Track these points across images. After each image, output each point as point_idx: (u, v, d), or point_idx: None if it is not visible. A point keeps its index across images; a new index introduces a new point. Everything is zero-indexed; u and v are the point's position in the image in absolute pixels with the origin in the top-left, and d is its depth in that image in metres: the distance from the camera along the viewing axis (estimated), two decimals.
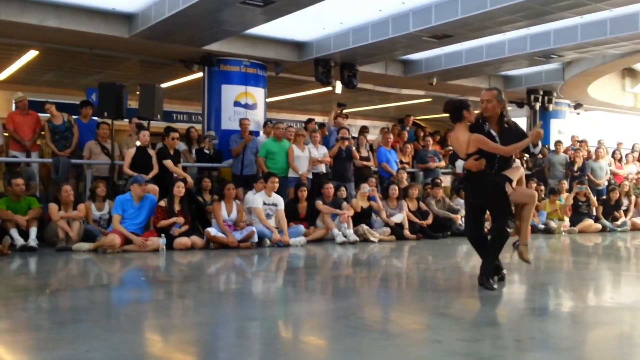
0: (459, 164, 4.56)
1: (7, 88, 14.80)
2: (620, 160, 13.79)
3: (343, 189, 9.46)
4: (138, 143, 8.80)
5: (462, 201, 10.55)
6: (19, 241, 7.32)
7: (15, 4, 8.82)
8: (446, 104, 5.26)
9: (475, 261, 7.75)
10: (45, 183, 9.61)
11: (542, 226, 10.90)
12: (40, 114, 9.68)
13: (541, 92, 15.08)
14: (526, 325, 4.08)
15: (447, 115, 5.23)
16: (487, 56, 11.65)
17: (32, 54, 11.65)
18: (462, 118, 5.10)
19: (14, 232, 7.39)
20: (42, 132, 9.64)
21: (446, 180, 11.55)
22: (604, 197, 12.27)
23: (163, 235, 7.57)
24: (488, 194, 5.09)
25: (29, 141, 9.34)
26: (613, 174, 13.25)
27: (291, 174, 9.74)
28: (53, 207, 7.71)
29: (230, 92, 11.27)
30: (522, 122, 17.08)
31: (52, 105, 9.46)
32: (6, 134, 9.53)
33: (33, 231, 7.48)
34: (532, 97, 15.06)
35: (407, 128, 12.50)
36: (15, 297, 4.83)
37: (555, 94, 15.27)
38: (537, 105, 15.24)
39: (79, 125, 9.61)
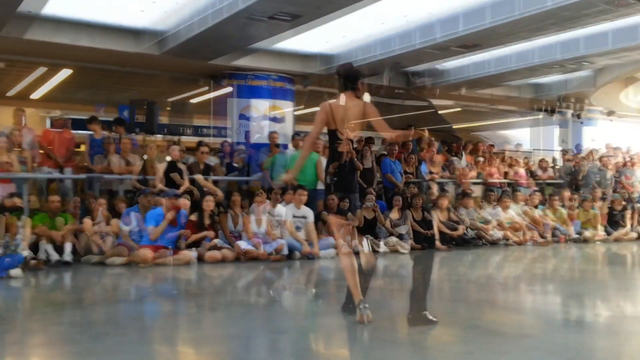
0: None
1: (42, 106, 15.19)
2: None
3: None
4: (168, 158, 8.93)
5: (493, 210, 10.42)
6: (54, 256, 7.46)
7: (48, 24, 9.06)
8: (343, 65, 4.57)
9: (507, 272, 7.65)
10: (81, 198, 9.78)
11: (576, 235, 10.68)
12: (74, 131, 9.87)
13: (572, 100, 14.86)
14: (561, 336, 4.00)
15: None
16: (516, 64, 11.54)
17: (65, 72, 11.93)
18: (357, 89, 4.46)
19: (49, 248, 7.54)
20: (77, 149, 9.82)
21: (477, 191, 11.39)
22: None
23: (194, 248, 7.64)
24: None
25: (63, 158, 9.54)
26: None
27: (320, 186, 9.74)
28: (87, 221, 7.85)
29: (258, 106, 11.38)
30: (554, 130, 16.85)
31: (98, 123, 9.64)
32: (42, 151, 9.75)
33: (68, 246, 7.60)
34: (564, 104, 14.85)
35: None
36: (50, 311, 4.93)
37: (586, 101, 15.03)
38: (569, 113, 15.02)
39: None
